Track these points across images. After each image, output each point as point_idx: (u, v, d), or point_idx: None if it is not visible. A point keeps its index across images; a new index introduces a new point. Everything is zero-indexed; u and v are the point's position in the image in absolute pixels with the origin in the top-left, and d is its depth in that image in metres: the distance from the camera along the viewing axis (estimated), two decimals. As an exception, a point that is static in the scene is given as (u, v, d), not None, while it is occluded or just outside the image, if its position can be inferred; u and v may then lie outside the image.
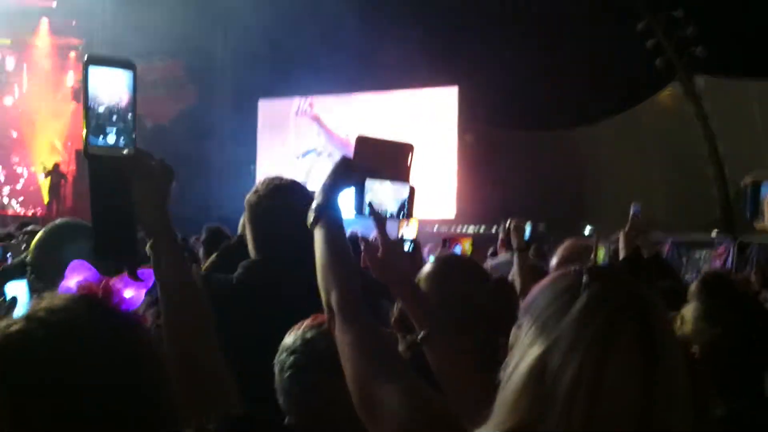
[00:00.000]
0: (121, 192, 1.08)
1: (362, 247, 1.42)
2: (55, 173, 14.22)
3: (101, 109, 1.02)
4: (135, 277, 1.04)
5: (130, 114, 1.04)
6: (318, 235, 1.27)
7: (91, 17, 14.86)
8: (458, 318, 1.56)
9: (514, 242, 3.02)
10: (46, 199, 14.87)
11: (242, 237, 2.34)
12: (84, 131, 1.02)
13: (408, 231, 2.49)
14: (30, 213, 15.12)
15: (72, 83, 15.62)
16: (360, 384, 1.10)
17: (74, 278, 1.02)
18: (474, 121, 13.08)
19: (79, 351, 0.90)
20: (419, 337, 1.37)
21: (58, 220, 2.09)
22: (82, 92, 1.02)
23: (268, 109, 14.92)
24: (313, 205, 1.29)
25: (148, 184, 1.11)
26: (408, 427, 1.03)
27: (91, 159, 1.03)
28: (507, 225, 3.11)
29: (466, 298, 1.65)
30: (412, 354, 1.41)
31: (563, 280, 0.89)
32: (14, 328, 0.91)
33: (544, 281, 0.92)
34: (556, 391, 0.80)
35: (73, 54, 16.24)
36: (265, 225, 2.04)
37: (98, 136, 1.02)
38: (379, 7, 11.69)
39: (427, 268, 1.76)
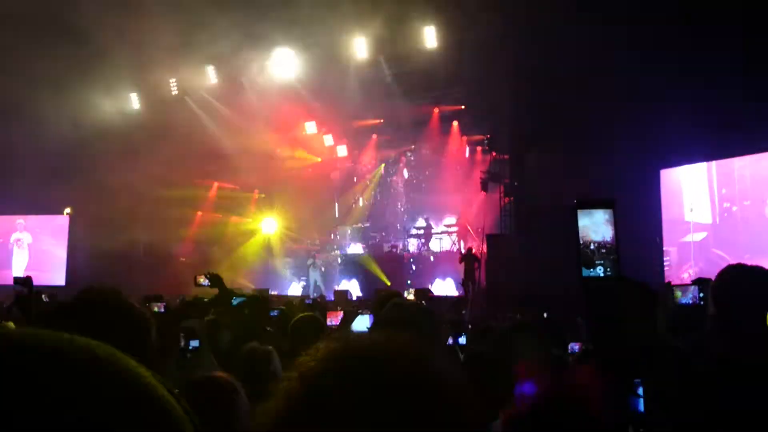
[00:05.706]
0: (615, 314, 1.19)
1: None
2: (469, 257, 15.58)
3: (589, 245, 1.18)
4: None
5: (612, 245, 1.18)
6: None
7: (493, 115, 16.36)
8: None
9: None
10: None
11: None
12: (577, 264, 1.19)
13: None
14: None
15: (479, 175, 17.17)
16: None
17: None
18: None
19: None
20: None
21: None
22: (573, 232, 1.19)
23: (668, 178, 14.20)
24: None
25: (634, 308, 1.20)
26: None
27: (585, 287, 1.19)
28: None
29: None
30: None
31: None
32: None
33: None
34: None
35: (478, 148, 18.21)
36: None
37: (588, 268, 1.18)
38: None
39: None
